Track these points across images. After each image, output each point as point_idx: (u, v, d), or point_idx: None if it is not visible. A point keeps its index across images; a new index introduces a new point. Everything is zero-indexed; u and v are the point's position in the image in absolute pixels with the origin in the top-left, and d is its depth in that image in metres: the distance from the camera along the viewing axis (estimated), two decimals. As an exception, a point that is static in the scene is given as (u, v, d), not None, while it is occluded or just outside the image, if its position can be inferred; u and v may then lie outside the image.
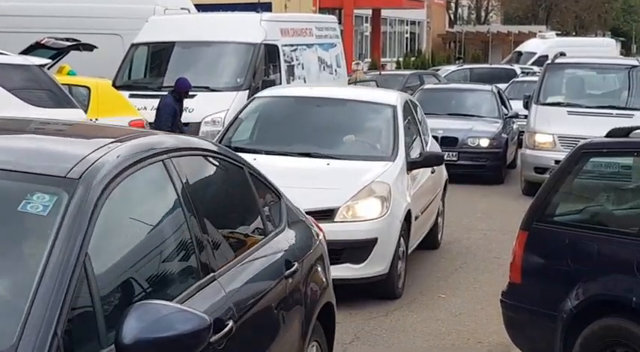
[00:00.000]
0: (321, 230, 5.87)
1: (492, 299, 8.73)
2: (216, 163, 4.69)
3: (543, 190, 6.40)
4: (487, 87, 19.39)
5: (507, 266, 6.80)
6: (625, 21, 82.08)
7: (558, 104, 15.90)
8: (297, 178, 8.51)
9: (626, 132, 6.28)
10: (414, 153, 9.89)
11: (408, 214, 9.10)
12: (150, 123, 12.98)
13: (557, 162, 14.21)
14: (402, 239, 8.93)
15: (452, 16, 61.86)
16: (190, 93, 13.63)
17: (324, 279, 5.57)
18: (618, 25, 78.65)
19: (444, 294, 9.27)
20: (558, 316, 5.96)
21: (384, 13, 46.91)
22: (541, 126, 15.49)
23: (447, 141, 16.06)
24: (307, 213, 7.39)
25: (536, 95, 16.07)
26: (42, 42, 14.17)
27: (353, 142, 9.80)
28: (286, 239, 5.09)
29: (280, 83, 15.63)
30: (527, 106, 16.32)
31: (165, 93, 13.65)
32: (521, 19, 66.51)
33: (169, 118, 13.02)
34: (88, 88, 12.50)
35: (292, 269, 4.85)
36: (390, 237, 8.67)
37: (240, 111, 10.44)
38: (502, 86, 22.85)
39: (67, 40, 14.40)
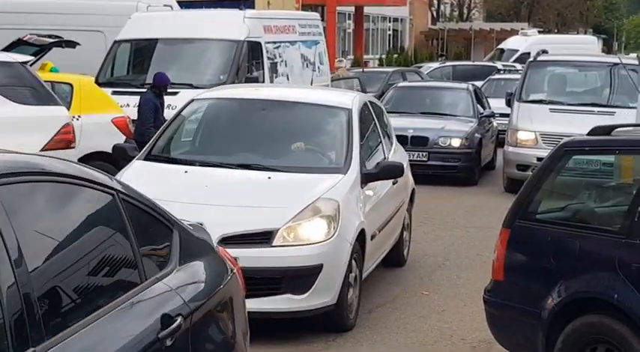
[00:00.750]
0: (235, 264, 4.82)
1: (475, 296, 8.78)
2: (62, 191, 3.53)
3: (526, 188, 6.43)
4: (462, 85, 18.90)
5: (490, 264, 6.84)
6: (607, 18, 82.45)
7: (540, 101, 15.96)
8: (231, 194, 7.78)
9: (608, 130, 6.31)
10: (371, 164, 8.83)
11: (362, 234, 8.03)
12: (133, 120, 12.95)
13: (539, 159, 14.27)
14: (353, 263, 7.86)
15: (434, 13, 61.94)
16: (173, 90, 13.60)
17: (231, 329, 4.47)
18: (600, 22, 79.00)
19: (427, 291, 9.30)
20: (541, 313, 6.00)
21: (367, 10, 46.96)
22: (523, 123, 15.56)
23: (417, 141, 15.85)
24: (240, 236, 7.21)
25: (518, 92, 16.13)
26: (24, 39, 14.10)
27: (301, 151, 8.71)
28: (172, 284, 3.96)
29: (263, 81, 15.63)
30: (509, 104, 16.37)
31: (145, 90, 13.63)
32: (504, 16, 66.66)
33: (151, 114, 12.98)
34: (71, 85, 12.44)
35: (173, 326, 3.72)
36: (339, 262, 7.59)
37: (175, 116, 9.25)
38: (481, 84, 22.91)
39: (50, 36, 14.35)
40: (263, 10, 17.32)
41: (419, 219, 12.86)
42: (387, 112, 16.28)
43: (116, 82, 15.17)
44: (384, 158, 9.40)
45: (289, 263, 7.35)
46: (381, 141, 9.68)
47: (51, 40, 14.11)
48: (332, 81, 19.49)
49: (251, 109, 9.17)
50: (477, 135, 16.56)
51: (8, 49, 13.42)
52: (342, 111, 8.92)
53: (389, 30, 53.79)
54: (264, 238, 7.37)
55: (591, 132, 6.38)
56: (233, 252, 5.49)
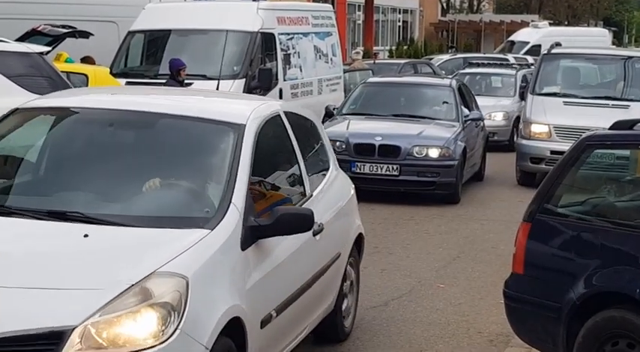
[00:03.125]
0: None
1: (491, 289, 8.81)
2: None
3: (546, 182, 6.42)
4: (445, 81, 16.20)
5: (505, 256, 6.85)
6: (617, 11, 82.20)
7: (554, 94, 15.93)
8: (13, 265, 4.88)
9: (630, 124, 6.30)
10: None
11: (236, 325, 5.10)
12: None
13: (552, 152, 14.34)
14: None
15: (444, 5, 61.78)
16: (188, 81, 13.64)
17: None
18: (610, 14, 78.76)
19: (443, 284, 9.30)
20: (561, 307, 5.99)
21: (377, 1, 46.90)
22: (537, 116, 15.54)
23: (387, 151, 13.41)
24: (10, 339, 4.41)
25: (532, 85, 16.12)
26: (38, 29, 14.12)
27: (156, 191, 5.66)
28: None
29: (276, 72, 15.63)
30: (523, 97, 16.33)
31: (164, 80, 13.67)
32: (514, 8, 66.45)
33: None
34: (86, 76, 12.48)
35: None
36: None
37: None
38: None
39: (64, 27, 14.36)
40: (276, 2, 17.25)
41: (432, 213, 12.90)
42: (354, 114, 14.88)
43: (130, 73, 15.18)
44: (305, 197, 6.53)
45: None
46: (300, 174, 6.60)
47: (65, 31, 14.13)
48: (345, 73, 19.43)
49: (93, 125, 6.24)
50: (460, 143, 13.86)
51: (22, 39, 13.44)
52: (229, 129, 5.93)
53: (399, 21, 53.69)
54: (48, 344, 4.45)
55: (613, 127, 6.37)
56: None
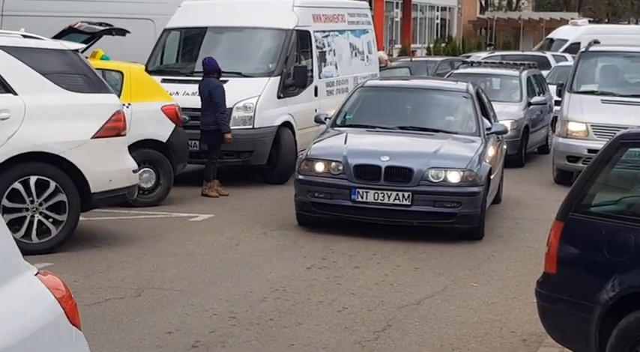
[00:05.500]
0: None
1: (525, 289, 8.73)
2: None
3: (580, 180, 6.35)
4: (460, 85, 13.17)
5: (540, 256, 6.77)
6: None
7: (592, 92, 15.82)
8: None
9: (665, 122, 6.22)
10: None
11: None
12: (183, 109, 13.00)
13: (590, 150, 14.22)
14: None
15: (483, 2, 61.48)
16: (222, 78, 13.66)
17: None
18: (651, 12, 77.86)
19: (477, 283, 9.24)
20: (594, 307, 5.93)
21: (415, -1, 46.77)
22: (574, 114, 15.41)
23: (396, 174, 10.73)
24: None
25: (569, 83, 15.99)
26: (75, 26, 14.18)
27: None
28: None
29: (312, 69, 15.61)
30: (560, 94, 16.20)
31: (199, 78, 13.69)
32: (553, 5, 66.04)
33: (224, 100, 13.27)
34: (121, 73, 12.52)
35: None
36: None
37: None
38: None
39: (100, 24, 14.41)
40: (312, -1, 17.22)
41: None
42: (350, 126, 12.06)
43: (166, 70, 15.23)
44: None
45: None
46: None
47: (101, 28, 14.17)
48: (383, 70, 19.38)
49: None
50: (485, 163, 11.28)
51: (59, 36, 13.49)
52: None
53: (437, 19, 53.51)
54: None
55: (648, 124, 6.29)
56: None
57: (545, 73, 22.55)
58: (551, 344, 6.86)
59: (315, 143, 11.74)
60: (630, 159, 6.34)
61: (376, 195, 10.74)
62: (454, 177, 10.81)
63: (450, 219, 10.79)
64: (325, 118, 12.64)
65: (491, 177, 11.52)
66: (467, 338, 7.56)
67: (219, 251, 10.09)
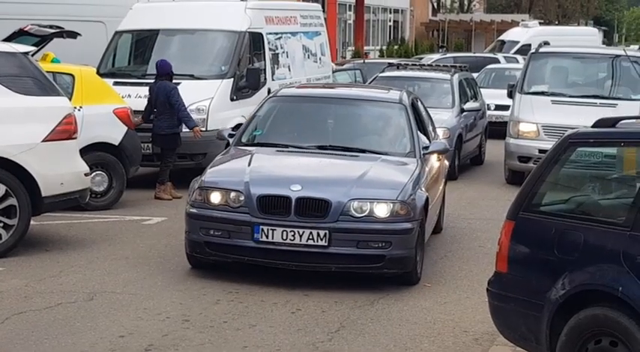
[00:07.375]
0: None
1: (478, 288, 8.80)
2: None
3: (530, 180, 6.42)
4: (392, 95, 11.04)
5: (492, 255, 6.84)
6: (607, 10, 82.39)
7: (542, 93, 15.97)
8: None
9: (612, 122, 6.30)
10: None
11: None
12: (134, 111, 12.95)
13: (540, 151, 14.35)
14: None
15: (435, 5, 61.83)
16: (175, 81, 13.60)
17: None
18: (601, 14, 78.92)
19: (430, 283, 9.29)
20: (545, 305, 5.99)
21: (368, 1, 46.92)
22: (525, 115, 15.56)
23: (310, 207, 8.70)
24: None
25: (520, 84, 16.13)
26: (25, 29, 14.04)
27: None
28: None
29: (265, 71, 15.60)
30: (511, 95, 16.35)
31: (151, 81, 13.63)
32: (504, 7, 66.56)
33: (182, 100, 13.21)
34: (73, 76, 12.43)
35: None
36: None
37: None
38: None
39: (51, 27, 14.30)
40: (264, 1, 17.20)
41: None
42: (258, 145, 10.00)
43: (117, 73, 15.15)
44: None
45: None
46: None
47: (52, 31, 14.05)
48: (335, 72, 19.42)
49: None
50: (420, 192, 9.33)
51: (9, 39, 13.37)
52: None
53: (390, 21, 53.75)
54: None
55: (596, 125, 6.36)
56: None
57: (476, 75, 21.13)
58: (503, 342, 6.92)
59: (211, 167, 9.57)
60: (579, 159, 6.42)
61: (285, 233, 8.70)
62: (382, 210, 8.80)
63: (377, 262, 8.78)
64: (229, 135, 10.68)
65: (429, 207, 9.64)
66: (420, 338, 7.61)
67: (172, 254, 10.05)
